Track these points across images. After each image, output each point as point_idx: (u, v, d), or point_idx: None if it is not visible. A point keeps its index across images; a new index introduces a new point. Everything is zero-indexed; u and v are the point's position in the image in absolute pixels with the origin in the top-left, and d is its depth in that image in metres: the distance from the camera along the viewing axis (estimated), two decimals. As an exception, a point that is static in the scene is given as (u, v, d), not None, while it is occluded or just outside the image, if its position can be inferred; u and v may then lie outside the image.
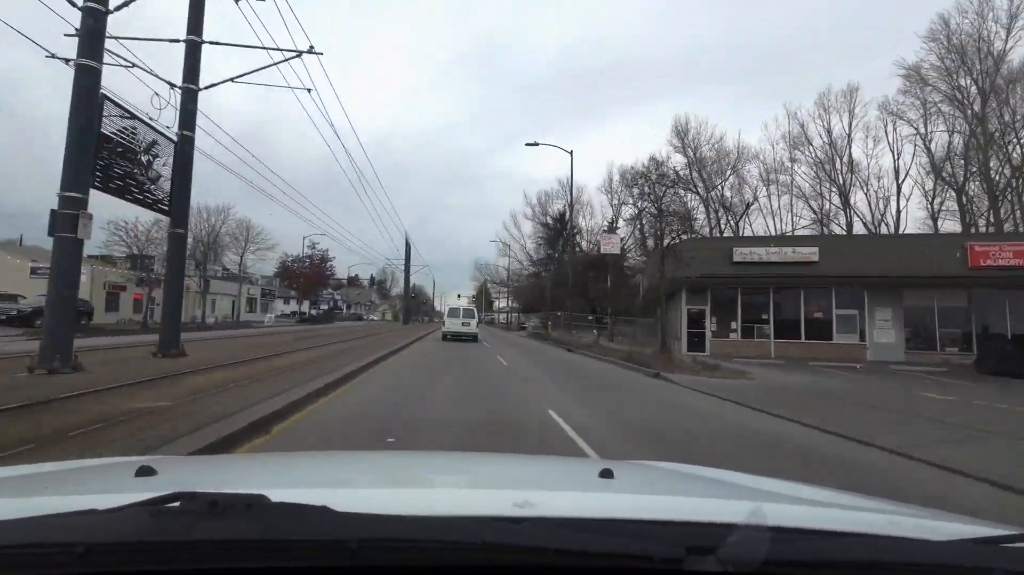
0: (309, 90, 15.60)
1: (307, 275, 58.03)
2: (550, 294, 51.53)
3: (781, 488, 1.48)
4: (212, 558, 0.69)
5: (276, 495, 0.77)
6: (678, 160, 46.31)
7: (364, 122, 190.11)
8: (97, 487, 1.20)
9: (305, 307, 63.12)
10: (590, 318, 41.39)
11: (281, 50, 14.29)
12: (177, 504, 0.75)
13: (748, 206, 46.63)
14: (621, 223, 49.56)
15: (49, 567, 0.67)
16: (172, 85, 12.72)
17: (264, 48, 14.18)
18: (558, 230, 58.30)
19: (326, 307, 76.09)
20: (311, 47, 14.01)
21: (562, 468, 1.92)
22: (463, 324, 27.98)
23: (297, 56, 14.14)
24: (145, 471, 1.16)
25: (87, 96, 9.61)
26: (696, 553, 0.73)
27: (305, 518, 0.73)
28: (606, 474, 1.33)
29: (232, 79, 14.48)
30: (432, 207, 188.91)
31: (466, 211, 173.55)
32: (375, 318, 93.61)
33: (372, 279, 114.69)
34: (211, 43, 13.44)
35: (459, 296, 68.32)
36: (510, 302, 69.29)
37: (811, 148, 45.09)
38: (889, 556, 0.78)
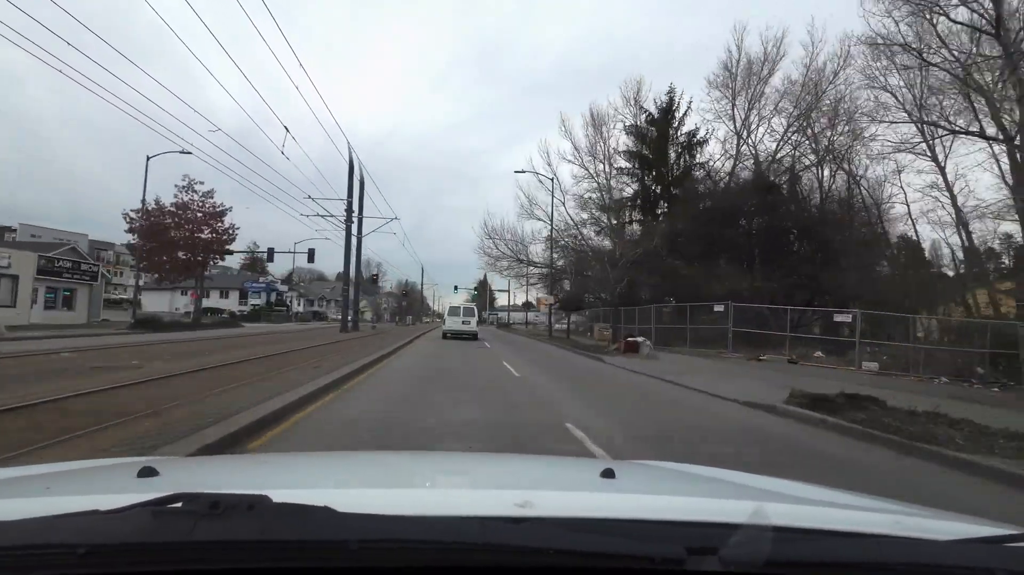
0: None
1: (162, 234, 28.90)
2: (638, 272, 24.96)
3: (783, 488, 1.48)
4: (214, 558, 0.69)
5: (278, 495, 0.77)
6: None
7: (364, 124, 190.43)
8: (99, 488, 1.20)
9: (234, 303, 37.86)
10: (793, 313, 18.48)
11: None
12: (179, 505, 0.75)
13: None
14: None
15: (51, 568, 0.67)
16: None
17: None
18: (663, 130, 31.08)
19: (259, 302, 51.99)
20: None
21: (563, 468, 1.91)
22: (463, 323, 28.39)
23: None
24: (147, 472, 1.16)
25: None
26: (698, 553, 0.73)
27: (307, 518, 0.73)
28: (607, 474, 1.32)
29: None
30: (432, 208, 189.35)
31: (465, 213, 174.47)
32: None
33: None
34: None
35: (456, 289, 68.06)
36: (556, 293, 36.46)
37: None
38: (892, 556, 0.78)
